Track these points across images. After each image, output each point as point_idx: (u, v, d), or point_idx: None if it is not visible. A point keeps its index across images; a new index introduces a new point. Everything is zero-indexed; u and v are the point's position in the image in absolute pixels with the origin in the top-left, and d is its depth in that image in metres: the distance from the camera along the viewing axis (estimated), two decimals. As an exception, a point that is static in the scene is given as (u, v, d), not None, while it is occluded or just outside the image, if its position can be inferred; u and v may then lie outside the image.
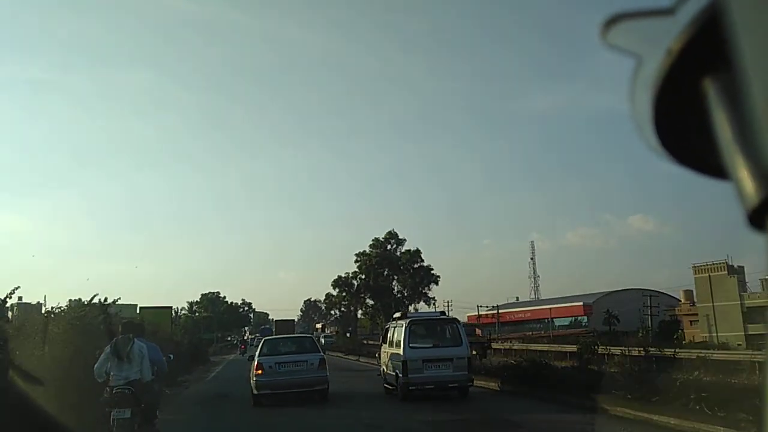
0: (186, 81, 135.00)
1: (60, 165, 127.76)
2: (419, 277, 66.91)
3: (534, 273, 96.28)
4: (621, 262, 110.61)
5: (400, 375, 14.63)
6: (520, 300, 79.99)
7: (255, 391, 15.03)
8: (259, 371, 15.12)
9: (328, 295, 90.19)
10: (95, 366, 8.21)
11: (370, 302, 69.06)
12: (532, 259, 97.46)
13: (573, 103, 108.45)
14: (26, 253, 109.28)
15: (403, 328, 15.05)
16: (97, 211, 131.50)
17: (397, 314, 17.82)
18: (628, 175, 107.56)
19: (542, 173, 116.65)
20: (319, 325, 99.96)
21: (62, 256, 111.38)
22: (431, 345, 15.30)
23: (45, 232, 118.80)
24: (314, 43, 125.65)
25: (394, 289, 68.02)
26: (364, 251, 69.61)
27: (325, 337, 67.46)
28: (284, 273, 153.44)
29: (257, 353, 16.00)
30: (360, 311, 69.98)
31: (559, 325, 60.18)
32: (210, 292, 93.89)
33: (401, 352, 14.67)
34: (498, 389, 16.50)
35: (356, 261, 69.44)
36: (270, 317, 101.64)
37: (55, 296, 79.65)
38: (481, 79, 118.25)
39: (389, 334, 16.78)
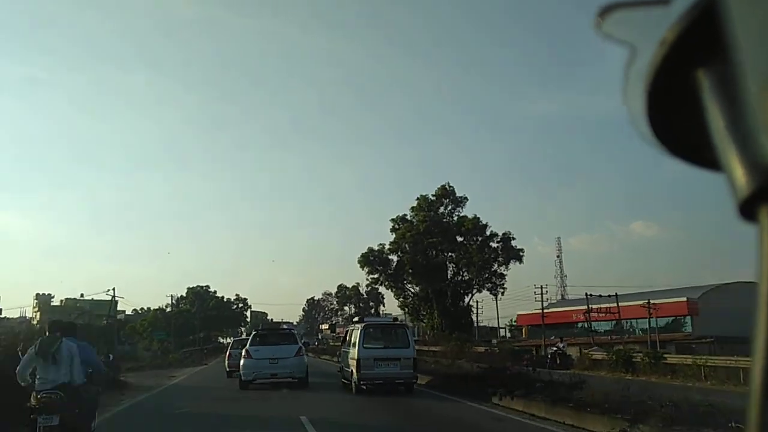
0: (185, 80, 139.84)
1: (58, 163, 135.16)
2: (489, 251, 51.05)
3: (561, 272, 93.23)
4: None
5: (354, 371, 17.43)
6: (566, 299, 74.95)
7: (228, 369, 26.13)
8: (229, 356, 27.27)
9: (341, 287, 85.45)
10: (18, 368, 8.07)
11: (412, 288, 53.57)
12: (558, 257, 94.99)
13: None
14: (21, 252, 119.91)
15: (359, 331, 18.01)
16: (93, 209, 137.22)
17: (356, 318, 21.88)
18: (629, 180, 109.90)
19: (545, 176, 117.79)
20: (325, 326, 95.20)
21: (58, 255, 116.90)
22: (382, 346, 18.03)
23: (40, 230, 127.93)
24: (313, 43, 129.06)
25: (448, 270, 52.09)
26: (404, 216, 53.77)
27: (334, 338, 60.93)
28: (285, 273, 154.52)
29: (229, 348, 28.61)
30: (398, 300, 54.78)
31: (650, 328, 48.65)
32: (198, 286, 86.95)
33: (356, 351, 17.49)
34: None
35: (393, 229, 53.48)
36: (269, 317, 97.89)
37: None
38: (481, 81, 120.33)
39: (347, 337, 20.00)
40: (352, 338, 18.67)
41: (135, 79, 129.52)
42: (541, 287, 48.04)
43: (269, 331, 24.27)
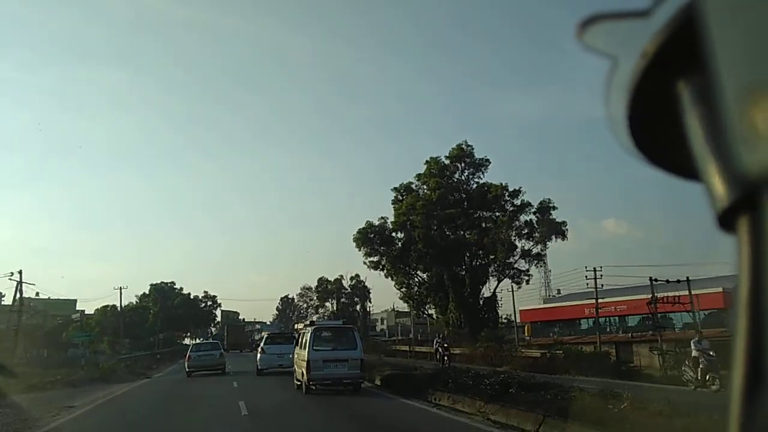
0: (165, 80, 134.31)
1: (33, 161, 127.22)
2: (520, 225, 40.69)
3: (545, 267, 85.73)
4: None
5: (305, 372, 18.45)
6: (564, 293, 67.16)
7: (187, 369, 29.91)
8: (188, 358, 30.78)
9: (322, 281, 75.55)
10: None
11: (419, 275, 42.93)
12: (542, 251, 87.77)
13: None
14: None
15: (309, 334, 19.14)
16: (61, 207, 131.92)
17: (308, 322, 24.39)
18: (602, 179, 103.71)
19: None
20: (300, 325, 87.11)
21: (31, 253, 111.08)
22: (331, 348, 18.98)
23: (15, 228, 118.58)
24: (300, 43, 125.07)
25: (466, 253, 41.25)
26: (409, 183, 43.29)
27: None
28: (257, 270, 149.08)
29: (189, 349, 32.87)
30: (401, 290, 44.17)
31: (684, 324, 42.10)
32: (162, 282, 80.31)
33: (306, 353, 18.56)
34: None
35: (395, 201, 43.26)
36: (240, 316, 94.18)
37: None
38: (465, 81, 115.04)
39: (300, 339, 21.01)
40: (303, 340, 19.59)
41: (114, 78, 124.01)
42: (594, 269, 38.31)
43: (277, 334, 32.87)
